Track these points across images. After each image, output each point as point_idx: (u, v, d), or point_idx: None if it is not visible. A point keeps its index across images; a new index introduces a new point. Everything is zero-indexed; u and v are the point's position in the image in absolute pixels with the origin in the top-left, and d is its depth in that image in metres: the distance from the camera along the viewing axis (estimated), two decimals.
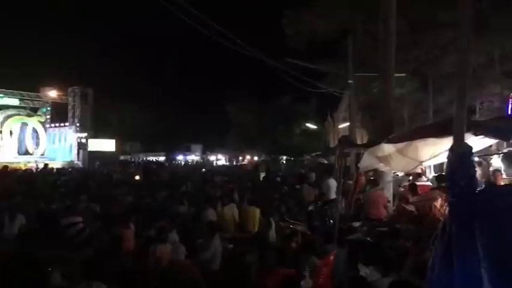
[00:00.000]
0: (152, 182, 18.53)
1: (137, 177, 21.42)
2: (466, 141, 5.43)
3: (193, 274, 5.65)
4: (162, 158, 59.80)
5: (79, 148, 40.59)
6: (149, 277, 5.68)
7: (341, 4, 21.51)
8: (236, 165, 52.24)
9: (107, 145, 47.38)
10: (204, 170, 36.96)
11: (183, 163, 57.36)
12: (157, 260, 6.04)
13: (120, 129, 53.72)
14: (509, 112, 26.61)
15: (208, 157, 68.72)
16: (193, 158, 66.26)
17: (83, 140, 40.86)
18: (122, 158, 54.01)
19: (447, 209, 1.82)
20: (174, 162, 57.70)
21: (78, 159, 40.18)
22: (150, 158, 57.29)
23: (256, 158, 52.30)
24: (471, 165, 1.73)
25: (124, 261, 6.78)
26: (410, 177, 12.31)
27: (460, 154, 1.73)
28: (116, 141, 49.04)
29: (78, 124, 40.58)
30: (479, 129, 5.45)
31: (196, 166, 45.63)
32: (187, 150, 67.88)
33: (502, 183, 9.13)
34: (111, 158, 45.19)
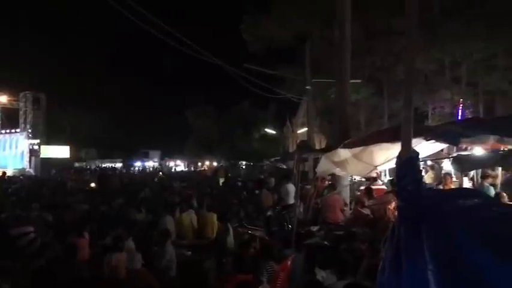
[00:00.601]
0: (108, 189, 18.09)
1: (93, 185, 20.87)
2: (418, 145, 5.62)
3: (150, 282, 5.54)
4: (119, 165, 58.52)
5: (31, 155, 39.21)
6: (105, 287, 5.53)
7: (298, 11, 21.80)
8: (195, 170, 51.86)
9: (61, 152, 45.96)
10: (161, 173, 36.50)
11: (141, 169, 56.47)
12: (113, 269, 5.88)
13: (74, 136, 52.14)
14: (459, 117, 27.75)
15: (167, 163, 67.93)
16: (152, 164, 65.29)
17: (35, 147, 39.50)
18: (76, 165, 52.50)
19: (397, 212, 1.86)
20: (131, 168, 56.66)
21: (30, 167, 38.76)
22: (107, 165, 55.92)
23: (215, 164, 52.08)
24: (418, 171, 1.78)
25: (78, 271, 6.58)
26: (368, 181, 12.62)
27: (408, 160, 1.78)
28: (70, 147, 47.64)
29: (30, 130, 39.21)
30: (429, 135, 5.66)
31: (154, 172, 44.95)
32: (145, 157, 66.74)
33: (452, 186, 9.49)
34: (66, 165, 43.88)
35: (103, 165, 53.93)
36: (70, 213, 10.66)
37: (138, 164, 62.94)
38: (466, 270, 1.38)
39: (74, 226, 8.32)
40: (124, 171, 48.91)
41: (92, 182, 22.19)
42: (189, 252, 8.57)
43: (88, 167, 51.45)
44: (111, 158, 62.98)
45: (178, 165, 65.84)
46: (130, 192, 16.39)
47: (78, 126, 54.94)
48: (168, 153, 69.98)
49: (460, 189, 2.99)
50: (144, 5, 9.46)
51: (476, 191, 2.06)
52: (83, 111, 53.56)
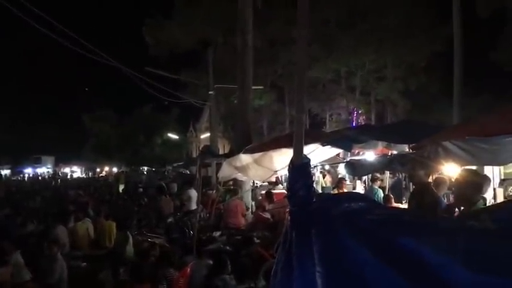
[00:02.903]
0: None
1: None
2: (316, 150, 5.86)
3: None
4: (7, 171, 53.80)
5: None
6: None
7: (201, 17, 21.78)
8: (94, 177, 49.44)
9: None
10: (59, 180, 34.53)
11: (32, 176, 52.63)
12: None
13: None
14: (353, 124, 29.58)
15: (62, 169, 63.97)
16: (45, 170, 61.00)
17: None
18: None
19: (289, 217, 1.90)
20: (21, 175, 52.53)
21: None
22: None
23: (115, 169, 50.00)
24: (309, 176, 1.83)
25: None
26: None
27: (299, 166, 1.82)
28: None
29: None
30: (325, 141, 5.94)
31: (48, 180, 42.18)
32: (36, 162, 61.96)
33: (346, 190, 10.02)
34: None
35: None
36: None
37: (28, 171, 58.41)
38: (350, 271, 1.44)
39: None
40: (13, 178, 45.27)
41: None
42: (84, 263, 8.12)
43: None
44: None
45: (75, 172, 62.37)
46: (18, 202, 15.19)
47: None
48: (63, 158, 65.98)
49: (348, 194, 3.19)
50: (35, 2, 8.85)
51: (363, 195, 2.18)
52: None
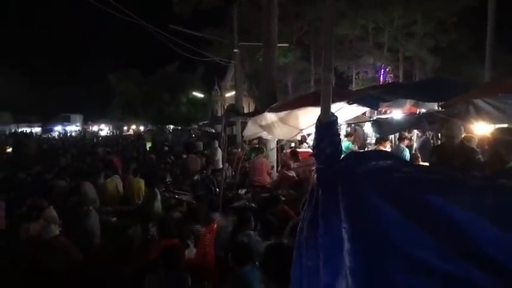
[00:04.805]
0: (25, 156, 17.06)
1: (9, 151, 19.61)
2: (342, 109, 5.78)
3: (70, 250, 5.36)
4: (38, 129, 55.18)
5: None
6: (20, 257, 5.28)
7: None
8: (121, 135, 50.32)
9: None
10: (100, 138, 35.47)
11: (62, 134, 53.93)
12: (30, 239, 5.64)
13: None
14: (380, 82, 29.01)
15: (91, 127, 65.32)
16: (74, 128, 62.38)
17: None
18: None
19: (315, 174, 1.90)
20: (51, 133, 53.87)
21: None
22: (24, 130, 52.49)
23: (142, 128, 50.65)
24: (336, 134, 1.82)
25: None
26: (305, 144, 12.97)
27: (327, 123, 1.80)
28: None
29: None
30: (351, 99, 5.83)
31: (77, 138, 43.19)
32: (66, 121, 63.38)
33: (383, 149, 9.91)
34: None
35: (19, 130, 50.59)
36: None
37: (58, 129, 59.84)
38: (375, 228, 1.45)
39: None
40: (44, 136, 46.45)
41: (7, 147, 20.86)
42: (115, 219, 8.39)
43: (7, 132, 48.09)
44: (29, 122, 58.94)
45: (102, 130, 63.62)
46: (50, 158, 15.63)
47: None
48: (91, 117, 67.25)
49: (375, 151, 3.15)
50: None
51: (390, 153, 2.17)
52: None
